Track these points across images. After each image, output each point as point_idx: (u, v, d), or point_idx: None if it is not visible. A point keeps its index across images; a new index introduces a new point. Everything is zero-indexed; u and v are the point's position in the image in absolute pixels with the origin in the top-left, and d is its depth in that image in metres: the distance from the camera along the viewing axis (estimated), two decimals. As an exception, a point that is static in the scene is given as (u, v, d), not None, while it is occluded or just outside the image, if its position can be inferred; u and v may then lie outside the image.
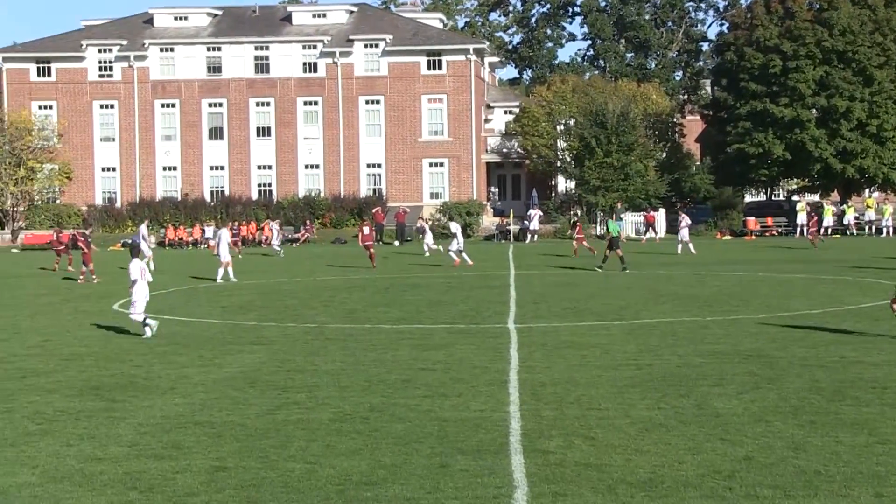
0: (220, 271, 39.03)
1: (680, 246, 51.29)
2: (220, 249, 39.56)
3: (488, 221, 73.87)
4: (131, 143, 76.90)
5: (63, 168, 75.25)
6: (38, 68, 77.31)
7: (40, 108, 76.91)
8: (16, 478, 11.94)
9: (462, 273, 41.32)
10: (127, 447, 13.23)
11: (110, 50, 76.89)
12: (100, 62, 77.06)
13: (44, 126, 75.05)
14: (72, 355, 20.93)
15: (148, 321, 23.65)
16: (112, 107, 77.26)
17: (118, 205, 76.12)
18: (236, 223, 64.12)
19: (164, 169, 77.30)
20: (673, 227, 60.95)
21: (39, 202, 75.13)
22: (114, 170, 77.38)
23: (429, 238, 50.76)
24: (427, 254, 50.14)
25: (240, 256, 49.61)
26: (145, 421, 14.71)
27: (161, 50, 77.00)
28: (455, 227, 47.97)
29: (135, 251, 25.75)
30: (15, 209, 73.79)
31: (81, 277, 39.56)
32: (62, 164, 75.17)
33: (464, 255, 45.06)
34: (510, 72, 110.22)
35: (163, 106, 77.18)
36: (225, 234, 40.64)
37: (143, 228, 50.66)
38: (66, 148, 75.78)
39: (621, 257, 41.10)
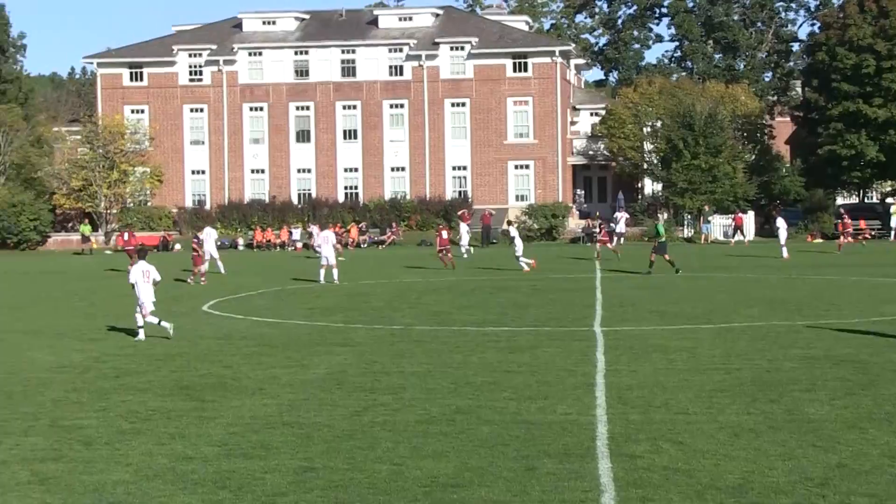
0: (322, 272, 39.10)
1: (784, 249, 50.12)
2: (324, 251, 39.56)
3: (574, 224, 73.60)
4: (220, 147, 77.87)
5: (154, 171, 76.43)
6: (131, 73, 78.61)
7: (133, 112, 78.18)
8: (110, 475, 12.15)
9: (548, 276, 41.18)
10: (217, 447, 13.39)
11: (200, 54, 77.93)
12: (190, 66, 78.15)
13: (136, 130, 76.29)
14: (163, 356, 21.24)
15: (144, 325, 23.89)
16: (202, 110, 78.30)
17: (207, 207, 77.09)
18: (337, 225, 64.45)
19: (252, 172, 78.14)
20: (764, 231, 60.23)
21: (131, 205, 76.38)
22: (203, 172, 78.41)
23: (518, 247, 47.40)
24: (522, 265, 47.03)
25: (342, 258, 48.81)
26: (235, 421, 14.87)
27: (250, 54, 77.87)
28: (514, 232, 47.43)
29: (141, 254, 25.65)
30: (108, 211, 75.09)
31: (191, 279, 39.91)
32: (153, 167, 76.34)
33: (520, 260, 43.70)
34: (596, 74, 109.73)
35: (251, 109, 78.03)
36: (331, 236, 40.65)
37: (209, 231, 50.10)
38: (157, 151, 76.96)
39: (670, 261, 40.39)
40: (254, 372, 19.03)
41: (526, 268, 43.21)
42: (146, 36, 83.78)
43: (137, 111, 78.38)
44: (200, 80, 78.15)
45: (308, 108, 77.64)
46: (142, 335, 23.78)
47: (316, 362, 20.09)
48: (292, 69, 77.75)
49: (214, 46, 77.94)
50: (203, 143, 78.30)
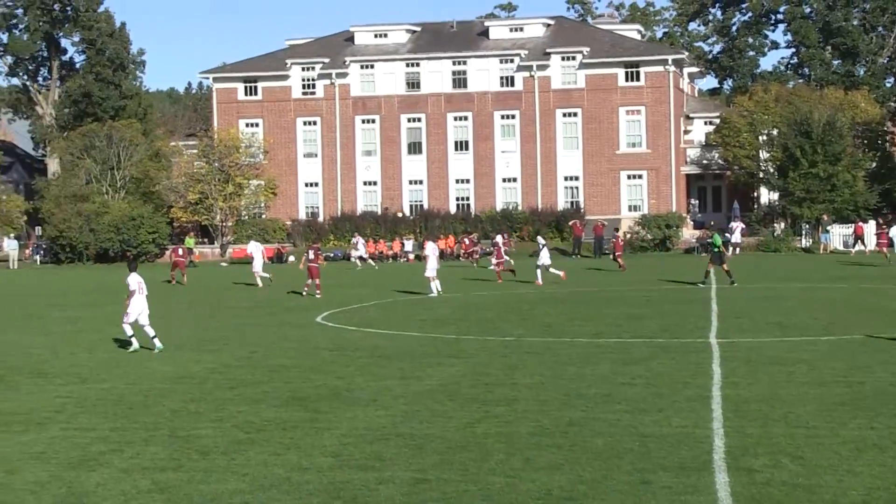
0: (432, 285, 39.23)
1: None
2: (430, 263, 39.63)
3: (688, 234, 72.76)
4: (333, 159, 78.67)
5: (268, 184, 77.49)
6: (246, 87, 79.87)
7: (247, 125, 79.40)
8: (227, 485, 12.33)
9: (661, 287, 40.75)
10: (331, 457, 13.50)
11: (313, 68, 78.86)
12: (303, 80, 79.14)
13: (250, 143, 77.43)
14: (277, 367, 21.49)
15: (133, 339, 24.34)
16: (314, 123, 79.20)
17: (320, 219, 77.88)
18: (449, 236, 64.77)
19: (365, 184, 78.77)
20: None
21: (246, 217, 77.50)
22: (316, 185, 79.28)
23: (544, 258, 46.56)
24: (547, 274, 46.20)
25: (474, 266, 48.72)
26: (348, 432, 14.98)
27: (361, 67, 78.57)
28: (541, 242, 47.15)
29: (132, 265, 25.79)
30: (224, 224, 76.30)
31: (305, 290, 40.16)
32: (268, 179, 77.40)
33: (549, 270, 43.37)
34: (710, 82, 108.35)
35: (363, 122, 78.71)
36: (434, 249, 40.72)
37: (255, 245, 51.02)
38: (271, 164, 78.01)
39: (727, 272, 40.15)
40: (367, 383, 19.15)
41: (539, 281, 42.85)
42: (260, 50, 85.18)
43: (252, 125, 79.57)
44: (313, 93, 79.07)
45: (419, 119, 78.06)
46: (136, 344, 24.35)
47: (429, 373, 20.14)
48: (404, 81, 78.27)
49: (327, 60, 78.81)
50: (316, 155, 79.17)
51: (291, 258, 70.68)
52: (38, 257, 76.29)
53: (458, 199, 77.67)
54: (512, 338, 25.47)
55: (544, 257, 44.42)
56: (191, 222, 78.63)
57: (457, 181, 77.75)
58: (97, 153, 75.46)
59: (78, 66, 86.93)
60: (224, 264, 69.19)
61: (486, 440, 14.24)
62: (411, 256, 69.15)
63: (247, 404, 17.26)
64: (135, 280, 24.69)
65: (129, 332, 24.55)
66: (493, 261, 47.35)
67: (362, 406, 16.91)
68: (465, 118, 77.48)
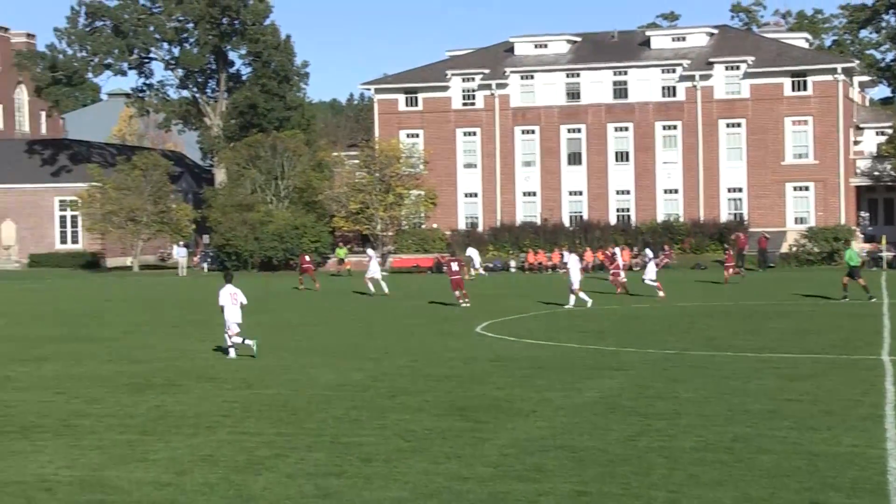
0: (572, 297, 39.13)
1: None
2: (573, 275, 39.51)
3: (858, 247, 70.80)
4: (492, 169, 78.89)
5: (428, 194, 78.14)
6: (407, 98, 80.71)
7: (408, 136, 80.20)
8: (389, 492, 12.47)
9: (829, 301, 39.75)
10: (492, 468, 13.53)
11: (473, 79, 79.26)
12: (463, 91, 79.60)
13: (411, 154, 78.21)
14: (438, 376, 21.64)
15: (234, 344, 25.13)
16: (474, 134, 79.56)
17: (479, 229, 78.16)
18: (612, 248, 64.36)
19: (524, 194, 78.77)
20: None
21: (406, 227, 78.26)
22: (475, 195, 79.60)
23: (651, 271, 45.60)
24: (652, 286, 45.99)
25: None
26: (509, 443, 14.99)
27: (522, 77, 78.65)
28: (648, 255, 46.24)
29: (228, 277, 26.28)
30: (384, 234, 77.20)
31: (462, 301, 40.27)
32: (428, 190, 78.05)
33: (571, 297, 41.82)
34: (882, 91, 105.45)
35: (523, 132, 78.75)
36: (575, 261, 40.66)
37: (371, 253, 52.13)
38: (431, 174, 78.65)
39: (864, 286, 39.56)
40: (527, 394, 19.14)
41: (620, 289, 43.62)
42: (421, 62, 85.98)
43: (412, 135, 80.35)
44: (473, 103, 79.45)
45: (579, 130, 77.75)
46: (232, 353, 25.19)
47: (589, 385, 20.04)
48: (564, 92, 78.08)
49: (487, 70, 79.13)
50: (475, 166, 79.51)
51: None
52: (205, 265, 78.39)
53: (618, 210, 77.08)
54: (674, 351, 25.16)
55: (650, 271, 44.61)
56: (352, 232, 79.77)
57: (617, 192, 77.17)
58: (262, 163, 77.23)
59: (244, 78, 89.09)
60: (384, 273, 69.94)
61: (648, 454, 14.10)
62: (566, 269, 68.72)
63: (408, 413, 17.42)
64: (224, 295, 25.48)
65: (229, 342, 25.46)
66: (611, 271, 47.14)
67: (523, 417, 16.91)
68: (626, 129, 76.88)
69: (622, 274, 46.96)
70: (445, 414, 17.28)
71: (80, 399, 19.44)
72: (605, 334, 29.45)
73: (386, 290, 47.44)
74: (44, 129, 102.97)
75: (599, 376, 21.23)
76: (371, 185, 76.34)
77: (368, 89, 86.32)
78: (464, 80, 79.57)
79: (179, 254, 76.25)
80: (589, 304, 38.57)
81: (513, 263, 71.96)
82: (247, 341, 25.25)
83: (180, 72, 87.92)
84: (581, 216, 77.30)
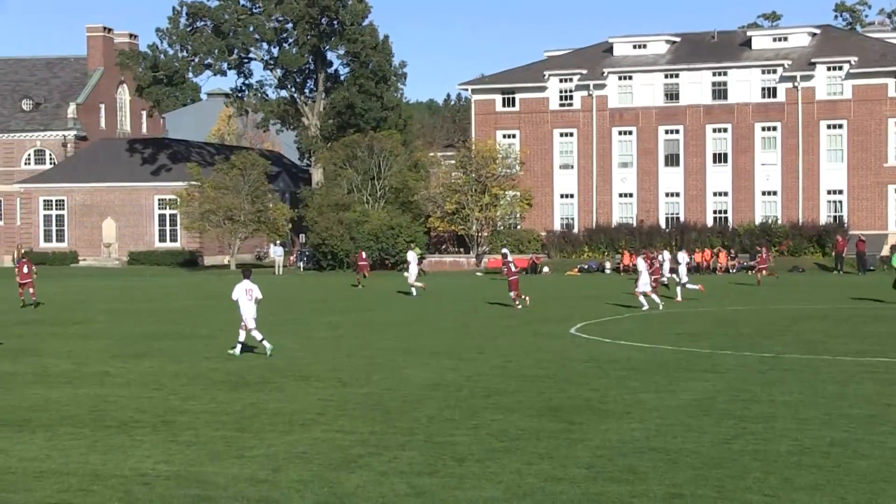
0: (643, 299, 38.97)
1: None
2: (642, 278, 39.24)
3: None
4: (589, 171, 78.60)
5: (524, 195, 78.07)
6: (504, 99, 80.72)
7: (504, 136, 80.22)
8: (482, 492, 12.52)
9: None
10: (585, 469, 13.52)
11: (571, 79, 79.04)
12: (560, 91, 79.41)
13: (507, 154, 78.21)
14: (532, 376, 21.65)
15: (243, 342, 25.52)
16: (571, 135, 79.31)
17: (575, 231, 77.90)
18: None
19: (621, 196, 78.35)
20: None
21: (501, 228, 78.29)
22: (571, 196, 79.37)
23: (683, 274, 45.75)
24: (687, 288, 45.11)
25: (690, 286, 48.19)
26: (602, 444, 14.96)
27: (619, 78, 78.23)
28: (683, 258, 46.23)
29: (246, 273, 26.56)
30: (479, 234, 77.32)
31: (517, 304, 40.31)
32: (523, 191, 77.99)
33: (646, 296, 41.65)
34: None
35: (620, 133, 78.33)
36: (643, 264, 40.14)
37: (412, 255, 52.19)
38: (527, 175, 78.59)
39: None
40: (621, 395, 19.09)
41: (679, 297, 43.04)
42: (519, 62, 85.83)
43: (509, 136, 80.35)
44: (571, 104, 79.22)
45: (677, 131, 77.11)
46: (237, 350, 25.61)
47: (683, 388, 19.91)
48: (662, 93, 77.48)
49: (585, 71, 78.83)
50: (572, 167, 79.26)
51: (546, 269, 71.01)
52: (301, 264, 79.22)
53: (715, 211, 76.30)
54: (770, 354, 24.89)
55: (683, 274, 44.58)
56: (447, 232, 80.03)
57: (714, 194, 76.40)
58: (359, 163, 77.80)
59: (342, 78, 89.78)
60: (479, 274, 70.07)
61: (743, 457, 13.98)
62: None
63: (501, 413, 17.46)
64: (238, 290, 25.92)
65: (242, 337, 25.88)
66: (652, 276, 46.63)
67: (616, 418, 16.87)
68: (725, 130, 76.07)
69: (665, 277, 46.59)
70: (539, 414, 17.29)
71: (177, 395, 19.80)
72: (700, 337, 29.21)
73: (414, 293, 47.72)
74: (144, 129, 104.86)
75: (694, 378, 21.07)
76: (467, 186, 76.51)
77: (466, 90, 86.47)
78: (561, 81, 79.37)
79: (276, 253, 77.15)
80: (646, 307, 38.22)
81: (608, 265, 71.62)
82: (264, 342, 25.56)
83: (279, 72, 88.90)
84: (677, 218, 76.66)
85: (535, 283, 53.77)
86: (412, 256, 51.63)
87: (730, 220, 75.43)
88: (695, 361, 23.82)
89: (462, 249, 79.35)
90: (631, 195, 78.12)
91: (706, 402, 18.31)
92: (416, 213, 77.84)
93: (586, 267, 70.78)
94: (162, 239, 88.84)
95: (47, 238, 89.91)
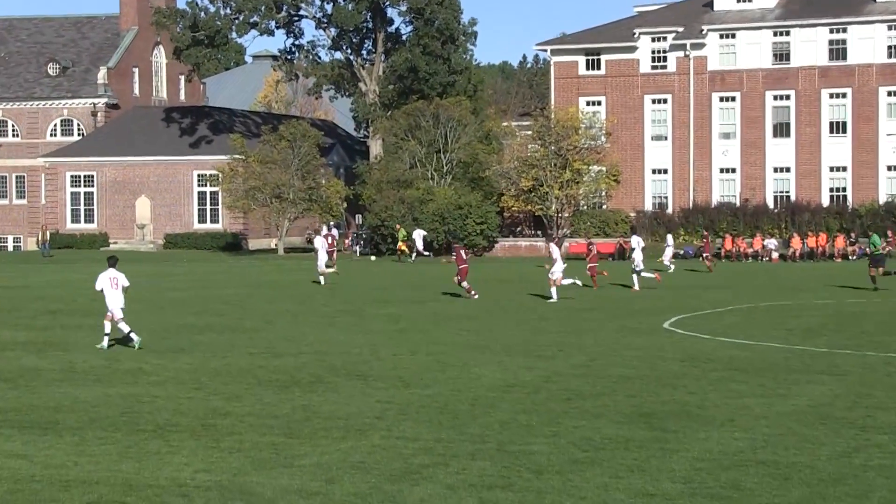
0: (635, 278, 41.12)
1: None
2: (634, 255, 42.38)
3: None
4: (685, 142, 78.10)
5: (611, 170, 77.75)
6: (588, 61, 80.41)
7: (588, 103, 79.94)
8: (561, 508, 12.48)
9: None
10: (681, 483, 13.43)
11: (665, 38, 78.55)
12: (653, 52, 78.94)
13: (591, 124, 77.90)
14: (619, 377, 21.57)
15: (109, 334, 26.45)
16: (665, 101, 78.86)
17: (669, 211, 77.44)
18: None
19: (721, 171, 77.78)
20: None
21: (584, 207, 78.03)
22: (665, 172, 78.93)
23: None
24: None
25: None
26: (701, 455, 14.86)
27: (721, 36, 77.61)
28: (636, 242, 47.29)
29: (111, 261, 27.69)
30: (559, 215, 77.10)
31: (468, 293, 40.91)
32: (610, 165, 77.66)
33: (634, 277, 44.89)
34: None
35: (721, 100, 77.74)
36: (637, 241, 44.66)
37: (418, 232, 52.70)
38: (614, 148, 78.25)
39: (872, 277, 42.82)
40: (722, 400, 18.95)
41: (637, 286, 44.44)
42: (604, 19, 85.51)
43: (593, 103, 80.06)
44: (664, 66, 78.74)
45: (788, 97, 76.36)
46: (105, 343, 26.49)
47: (795, 392, 19.73)
48: (770, 53, 76.75)
49: (681, 29, 78.28)
50: (666, 138, 78.82)
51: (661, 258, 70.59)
52: (357, 248, 79.52)
53: (831, 189, 75.53)
54: (896, 354, 24.63)
55: (639, 261, 45.70)
56: (522, 212, 79.92)
57: (831, 169, 75.61)
58: (422, 134, 77.87)
59: (404, 38, 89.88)
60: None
61: (866, 473, 13.83)
62: (775, 255, 67.79)
63: (584, 419, 17.41)
64: (102, 279, 26.94)
65: (108, 329, 26.73)
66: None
67: (717, 426, 16.75)
68: (843, 95, 75.23)
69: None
70: (627, 421, 17.22)
71: (219, 396, 19.95)
72: (816, 333, 28.95)
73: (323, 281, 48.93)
74: (182, 96, 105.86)
75: (808, 381, 20.88)
76: (545, 160, 76.31)
77: (544, 50, 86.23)
78: (654, 40, 78.90)
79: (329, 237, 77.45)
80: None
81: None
82: (132, 335, 26.60)
83: (333, 31, 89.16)
84: (787, 196, 75.98)
85: (623, 271, 53.35)
86: (319, 241, 52.09)
87: (849, 199, 74.62)
88: (809, 362, 23.62)
89: (539, 232, 79.20)
90: (733, 171, 77.53)
91: (822, 408, 18.14)
92: (486, 191, 77.79)
93: (682, 252, 70.30)
94: (201, 220, 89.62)
95: (75, 218, 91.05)
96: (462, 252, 41.81)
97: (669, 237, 58.62)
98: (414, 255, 70.23)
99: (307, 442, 15.94)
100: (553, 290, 39.48)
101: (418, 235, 71.89)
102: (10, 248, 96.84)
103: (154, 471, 14.35)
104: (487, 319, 33.65)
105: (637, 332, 29.43)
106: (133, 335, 26.66)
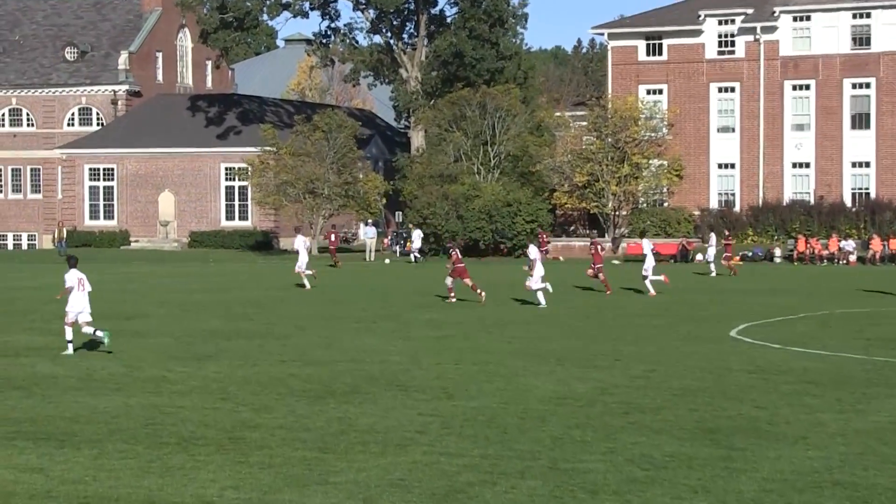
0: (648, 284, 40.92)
1: None
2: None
3: None
4: (754, 135, 77.84)
5: (673, 164, 77.53)
6: (648, 45, 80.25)
7: (648, 92, 79.79)
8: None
9: None
10: (749, 506, 13.40)
11: (733, 21, 78.30)
12: (720, 36, 78.70)
13: (652, 114, 77.73)
14: (682, 390, 21.51)
15: (71, 340, 26.99)
16: (732, 90, 78.61)
17: (736, 209, 77.14)
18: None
19: (794, 166, 77.50)
20: None
21: (644, 205, 77.83)
22: (732, 166, 78.69)
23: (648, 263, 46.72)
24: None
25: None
26: (771, 476, 14.81)
27: (794, 19, 77.30)
28: (647, 246, 47.21)
29: (72, 262, 28.07)
30: (616, 213, 76.93)
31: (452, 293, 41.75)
32: (672, 159, 77.45)
33: (647, 282, 45.05)
34: None
35: (794, 88, 77.45)
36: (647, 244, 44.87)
37: (301, 239, 52.18)
38: (676, 140, 78.07)
39: None
40: (795, 416, 18.88)
41: (652, 291, 44.50)
42: (667, 0, 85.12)
43: (654, 91, 79.90)
44: (732, 52, 78.48)
45: (868, 85, 76.01)
46: (70, 349, 26.98)
47: (875, 407, 19.64)
48: (849, 37, 76.39)
49: (750, 10, 78.01)
50: (733, 130, 78.57)
51: (699, 256, 70.45)
52: (397, 248, 79.66)
53: (916, 186, 75.15)
54: None
55: (710, 254, 47.93)
56: (576, 209, 79.81)
57: (914, 164, 75.27)
58: (468, 125, 77.89)
59: (449, 20, 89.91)
60: (616, 262, 69.78)
61: (952, 497, 13.74)
62: (853, 258, 67.44)
63: (644, 434, 17.38)
64: (73, 277, 27.35)
65: (69, 335, 27.16)
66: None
67: (789, 444, 16.69)
68: (928, 83, 74.89)
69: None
70: (690, 437, 17.17)
71: (247, 407, 20.03)
72: (897, 343, 28.80)
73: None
74: (209, 82, 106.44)
75: (889, 395, 20.79)
76: (601, 153, 76.20)
77: (601, 34, 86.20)
78: (721, 23, 78.70)
79: (367, 234, 77.63)
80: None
81: (778, 252, 70.86)
82: (98, 333, 27.11)
83: (372, 13, 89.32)
84: (867, 193, 75.62)
85: (685, 274, 53.41)
86: (301, 241, 51.75)
87: (935, 196, 74.25)
88: (890, 374, 23.52)
89: (595, 231, 79.06)
90: (807, 165, 77.24)
91: (904, 425, 18.06)
92: (537, 187, 77.72)
93: (750, 254, 70.07)
94: (229, 216, 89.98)
95: (93, 214, 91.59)
96: (457, 252, 43.08)
97: (712, 236, 58.98)
98: (418, 255, 70.83)
99: (343, 457, 15.98)
100: (539, 296, 39.65)
101: (417, 236, 72.27)
102: (25, 247, 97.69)
103: (178, 487, 14.43)
104: (538, 326, 33.63)
105: (701, 341, 29.34)
106: (99, 332, 27.14)
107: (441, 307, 39.70)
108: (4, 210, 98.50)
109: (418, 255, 70.98)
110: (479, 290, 41.07)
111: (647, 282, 45.04)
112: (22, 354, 27.31)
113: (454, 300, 41.17)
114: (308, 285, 48.91)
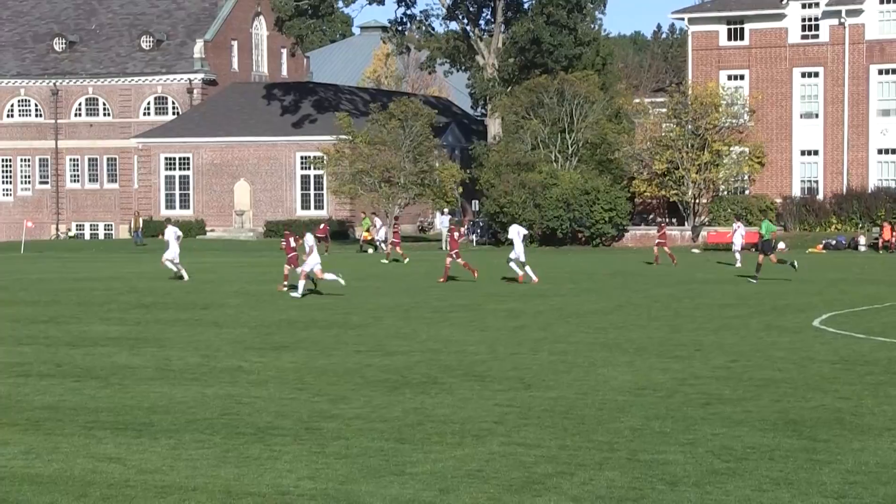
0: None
1: None
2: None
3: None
4: (839, 121, 77.11)
5: (754, 151, 76.98)
6: (729, 30, 79.67)
7: (729, 78, 79.26)
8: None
9: None
10: (833, 498, 13.30)
11: (817, 4, 77.57)
12: (803, 20, 77.99)
13: (733, 101, 77.21)
14: (764, 380, 21.39)
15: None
16: (816, 75, 77.91)
17: (819, 197, 76.49)
18: None
19: (880, 152, 76.70)
20: None
21: (725, 193, 77.37)
22: (816, 153, 78.01)
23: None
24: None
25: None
26: (855, 468, 14.70)
27: (880, 2, 76.44)
28: (513, 233, 47.01)
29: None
30: (697, 201, 76.53)
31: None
32: (753, 146, 76.90)
33: (525, 269, 45.64)
34: None
35: (880, 73, 76.62)
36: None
37: (171, 230, 49.50)
38: (758, 127, 77.50)
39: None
40: (880, 407, 18.73)
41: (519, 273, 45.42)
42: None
43: (736, 77, 79.34)
44: (816, 36, 77.75)
45: (955, 69, 75.05)
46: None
47: (964, 399, 19.44)
48: (935, 20, 75.45)
49: (835, -7, 77.29)
50: (817, 115, 77.88)
51: (781, 245, 69.87)
52: (474, 237, 79.64)
53: None
54: None
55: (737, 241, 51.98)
56: (656, 198, 79.50)
57: None
58: (546, 112, 77.76)
59: (526, 6, 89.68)
60: (696, 251, 69.45)
61: None
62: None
63: (725, 426, 17.30)
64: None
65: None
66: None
67: (874, 436, 16.55)
68: None
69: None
70: (772, 429, 17.08)
71: (324, 397, 20.14)
72: None
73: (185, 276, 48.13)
74: (284, 71, 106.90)
75: (978, 387, 20.57)
76: (681, 140, 75.86)
77: (681, 19, 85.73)
78: (804, 7, 77.99)
79: (443, 223, 77.61)
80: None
81: (862, 240, 70.20)
82: (336, 277, 29.39)
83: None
84: (956, 180, 74.66)
85: (765, 263, 52.84)
86: (170, 232, 49.22)
87: None
88: (977, 365, 23.25)
89: (675, 220, 78.71)
90: (893, 151, 76.47)
91: None
92: (616, 175, 77.51)
93: (833, 243, 69.48)
94: (305, 205, 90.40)
95: (169, 204, 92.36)
96: (456, 233, 47.72)
97: (739, 222, 59.39)
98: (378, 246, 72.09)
99: (419, 448, 16.03)
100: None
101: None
102: (102, 236, 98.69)
103: (255, 477, 14.55)
104: (617, 315, 33.55)
105: (784, 331, 29.14)
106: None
107: (518, 297, 39.68)
108: (81, 200, 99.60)
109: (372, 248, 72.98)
110: (472, 269, 45.84)
111: (512, 264, 46.06)
112: (99, 344, 27.64)
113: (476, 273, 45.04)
114: (185, 276, 48.30)
